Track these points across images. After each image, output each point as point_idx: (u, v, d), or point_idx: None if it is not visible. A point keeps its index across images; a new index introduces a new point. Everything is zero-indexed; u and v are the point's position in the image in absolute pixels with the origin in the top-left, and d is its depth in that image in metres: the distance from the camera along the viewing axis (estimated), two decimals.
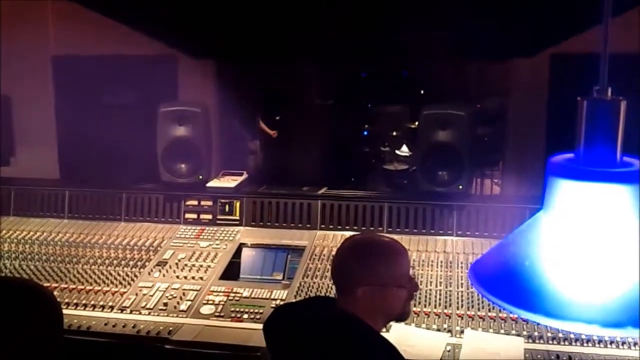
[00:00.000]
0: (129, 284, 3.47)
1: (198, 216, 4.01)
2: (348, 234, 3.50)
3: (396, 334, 2.96)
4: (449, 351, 2.88)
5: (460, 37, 4.01)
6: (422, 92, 8.03)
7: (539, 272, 1.02)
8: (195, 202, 4.03)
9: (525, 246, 1.08)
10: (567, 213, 1.04)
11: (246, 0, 3.78)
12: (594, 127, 1.04)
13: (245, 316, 3.20)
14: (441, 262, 3.52)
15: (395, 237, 3.60)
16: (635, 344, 2.86)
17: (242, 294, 3.36)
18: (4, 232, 3.95)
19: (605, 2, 1.03)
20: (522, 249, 1.08)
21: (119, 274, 3.55)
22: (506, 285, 1.04)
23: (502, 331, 3.00)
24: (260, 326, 2.29)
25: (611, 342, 2.86)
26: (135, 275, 3.54)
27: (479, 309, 3.13)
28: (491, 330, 3.01)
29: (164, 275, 3.53)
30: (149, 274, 3.55)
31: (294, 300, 3.19)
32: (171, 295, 3.36)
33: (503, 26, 3.65)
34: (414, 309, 3.15)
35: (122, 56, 4.79)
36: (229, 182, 4.11)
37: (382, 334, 2.41)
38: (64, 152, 5.04)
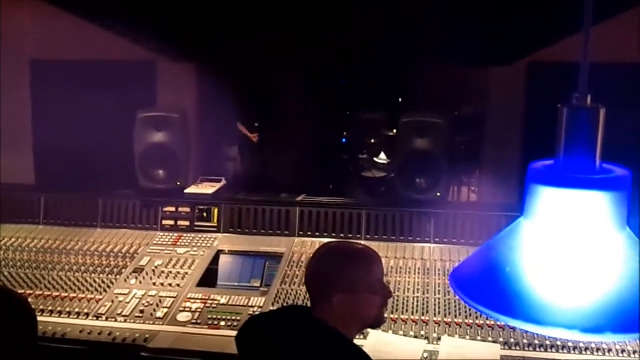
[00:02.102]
0: (105, 291, 3.44)
1: (175, 223, 3.99)
2: (326, 240, 3.50)
3: (373, 340, 2.96)
4: (426, 358, 2.88)
5: (438, 45, 4.04)
6: (400, 100, 8.06)
7: (520, 278, 1.03)
8: (172, 209, 4.00)
9: (506, 252, 1.09)
10: (547, 219, 1.06)
11: (226, 5, 3.77)
12: (573, 135, 1.06)
13: (223, 323, 3.18)
14: (419, 269, 3.53)
15: (373, 244, 3.64)
16: (609, 350, 2.89)
17: (219, 301, 3.34)
18: None
19: (586, 10, 1.04)
20: (503, 255, 1.09)
21: (94, 281, 3.52)
22: (487, 291, 1.05)
23: (479, 338, 3.01)
24: None
25: (586, 349, 2.89)
26: (112, 282, 3.51)
27: (456, 316, 3.15)
28: (468, 337, 3.02)
29: (140, 282, 3.50)
30: (126, 280, 3.52)
31: (268, 310, 3.18)
32: (148, 302, 3.33)
33: (480, 34, 3.68)
34: (392, 315, 3.16)
35: (101, 61, 4.77)
36: (207, 188, 4.09)
37: (359, 340, 2.41)
38: (40, 157, 4.99)
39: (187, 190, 4.05)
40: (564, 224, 1.03)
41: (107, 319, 3.22)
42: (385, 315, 3.09)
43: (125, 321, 3.21)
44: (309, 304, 2.26)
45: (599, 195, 1.02)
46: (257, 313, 3.17)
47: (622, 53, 3.85)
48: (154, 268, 3.61)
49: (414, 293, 3.34)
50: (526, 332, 3.00)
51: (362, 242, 3.50)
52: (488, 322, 3.08)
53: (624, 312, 0.95)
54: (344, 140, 8.46)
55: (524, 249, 1.08)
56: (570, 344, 2.93)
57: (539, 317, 0.97)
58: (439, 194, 3.75)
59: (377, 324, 2.30)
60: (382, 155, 7.61)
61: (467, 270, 1.15)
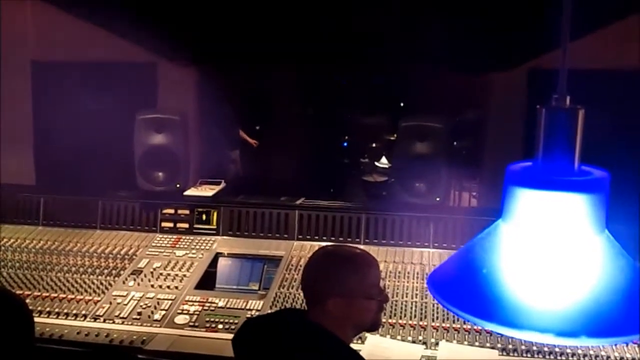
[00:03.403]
0: (103, 292, 3.44)
1: (174, 225, 3.98)
2: (325, 244, 3.49)
3: (371, 345, 2.96)
4: None
5: (439, 51, 4.04)
6: (402, 104, 8.08)
7: (495, 280, 1.02)
8: (172, 211, 4.00)
9: (483, 254, 1.08)
10: (524, 221, 1.04)
11: (228, 9, 3.78)
12: (552, 136, 1.05)
13: (220, 326, 3.18)
14: (417, 273, 3.53)
15: (372, 248, 3.64)
16: (607, 357, 2.88)
17: (217, 304, 3.34)
18: None
19: (564, 14, 1.04)
20: (480, 257, 1.08)
21: (93, 282, 3.52)
22: (463, 293, 1.04)
23: (477, 343, 3.00)
24: None
25: (584, 356, 2.88)
26: (110, 284, 3.51)
27: (454, 321, 3.14)
28: (466, 342, 3.02)
29: (138, 284, 3.50)
30: (124, 282, 3.52)
31: (264, 313, 3.17)
32: (145, 304, 3.33)
33: (481, 41, 3.68)
34: (390, 320, 3.15)
35: (102, 62, 4.78)
36: (207, 190, 4.09)
37: (356, 345, 2.40)
38: (40, 157, 5.00)
39: (186, 193, 4.04)
40: (542, 226, 1.02)
41: (104, 321, 3.22)
42: (383, 320, 3.10)
43: (122, 323, 3.21)
44: (306, 308, 2.25)
45: (577, 197, 1.00)
46: (254, 316, 3.17)
47: (625, 59, 3.85)
48: (152, 270, 3.61)
49: (412, 298, 3.33)
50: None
51: (361, 246, 3.50)
52: (486, 328, 3.07)
53: (600, 316, 0.94)
54: (345, 144, 8.48)
55: (501, 251, 1.06)
56: (568, 351, 2.92)
57: (513, 320, 0.96)
58: (438, 199, 3.75)
59: (373, 328, 2.29)
60: (383, 159, 7.61)
61: (445, 272, 1.14)
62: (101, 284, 3.51)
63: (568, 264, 1.00)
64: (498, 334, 2.93)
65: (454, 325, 3.11)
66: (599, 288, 0.97)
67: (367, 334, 2.99)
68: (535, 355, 2.91)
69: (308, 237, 3.85)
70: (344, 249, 2.36)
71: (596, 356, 2.88)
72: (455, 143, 6.20)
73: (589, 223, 1.01)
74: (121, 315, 3.25)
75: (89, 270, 3.63)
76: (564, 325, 0.94)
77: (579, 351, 2.91)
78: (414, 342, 3.04)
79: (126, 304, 3.33)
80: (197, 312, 3.27)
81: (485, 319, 0.98)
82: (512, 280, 1.01)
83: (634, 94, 3.67)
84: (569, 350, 2.92)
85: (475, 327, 3.08)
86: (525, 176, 1.05)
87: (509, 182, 1.07)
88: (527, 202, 1.04)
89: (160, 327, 3.18)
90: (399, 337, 3.07)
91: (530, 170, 1.07)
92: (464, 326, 3.10)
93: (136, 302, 3.35)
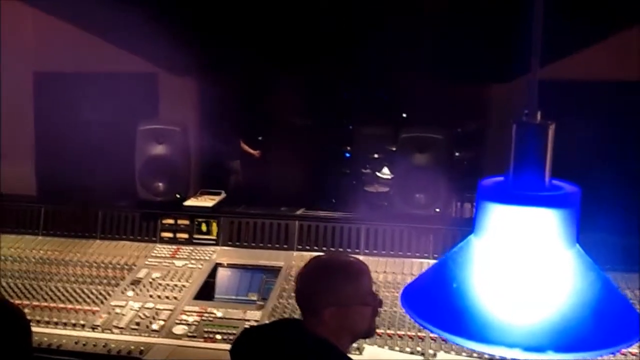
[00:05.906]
0: (102, 302, 3.44)
1: (174, 235, 3.98)
2: None
3: (369, 356, 2.95)
4: None
5: (440, 62, 4.05)
6: (404, 115, 8.08)
7: (466, 295, 1.02)
8: (171, 221, 4.00)
9: (455, 269, 1.08)
10: (496, 236, 1.05)
11: (229, 20, 3.80)
12: (522, 151, 1.05)
13: (219, 337, 3.17)
14: None
15: (372, 258, 3.64)
16: None
17: (216, 314, 3.34)
18: None
19: (534, 35, 1.05)
20: (451, 271, 1.08)
21: (92, 292, 3.52)
22: (433, 307, 1.04)
23: (475, 355, 2.99)
24: None
25: None
26: (109, 294, 3.51)
27: None
28: (464, 353, 3.00)
29: (137, 294, 3.50)
30: (123, 292, 3.52)
31: (262, 323, 3.17)
32: (144, 314, 3.33)
33: (481, 52, 3.69)
34: (388, 331, 3.14)
35: (103, 73, 4.80)
36: (207, 201, 4.09)
37: (355, 356, 2.40)
38: (41, 167, 5.02)
39: (186, 203, 4.05)
40: (513, 241, 1.02)
41: (103, 331, 3.22)
42: (382, 331, 3.09)
43: (121, 333, 3.21)
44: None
45: (547, 212, 1.00)
46: (252, 326, 3.16)
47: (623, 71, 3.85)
48: (151, 280, 3.61)
49: None
50: None
51: (361, 257, 3.49)
52: None
53: (567, 331, 0.93)
54: (347, 154, 8.49)
55: (472, 265, 1.07)
56: None
57: (481, 334, 0.96)
58: (438, 210, 3.74)
59: (369, 334, 2.30)
60: (385, 170, 7.60)
61: (417, 287, 1.15)
62: (100, 293, 3.51)
63: (538, 279, 1.00)
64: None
65: None
66: (568, 303, 0.97)
67: (365, 345, 2.98)
68: None
69: (308, 247, 3.85)
70: (336, 259, 2.37)
71: None
72: (457, 154, 6.20)
73: (560, 238, 1.01)
74: (119, 325, 3.25)
75: (88, 280, 3.63)
76: (531, 340, 0.93)
77: None
78: (412, 353, 3.03)
79: (125, 314, 3.33)
80: (196, 323, 3.27)
81: (454, 333, 0.98)
82: (482, 294, 1.01)
83: (632, 105, 3.67)
84: None
85: None
86: (496, 191, 1.06)
87: (481, 197, 1.07)
88: (498, 217, 1.04)
89: (158, 337, 3.17)
90: (397, 348, 3.06)
91: (502, 185, 1.08)
92: None
93: (135, 312, 3.35)
